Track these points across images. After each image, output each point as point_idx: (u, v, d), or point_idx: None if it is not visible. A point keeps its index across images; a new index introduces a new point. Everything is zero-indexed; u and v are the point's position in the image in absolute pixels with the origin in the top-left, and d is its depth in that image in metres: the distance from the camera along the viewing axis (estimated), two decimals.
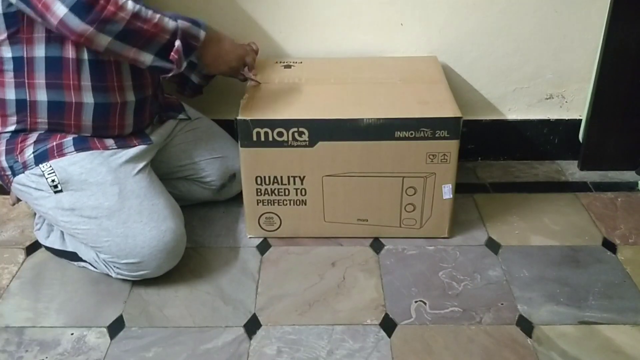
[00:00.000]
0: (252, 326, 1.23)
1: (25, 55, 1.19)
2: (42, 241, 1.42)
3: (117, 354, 1.17)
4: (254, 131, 1.32)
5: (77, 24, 1.07)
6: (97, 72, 1.22)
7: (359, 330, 1.21)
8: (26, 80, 1.21)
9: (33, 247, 1.45)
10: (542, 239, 1.46)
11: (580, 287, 1.31)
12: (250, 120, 1.31)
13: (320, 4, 1.58)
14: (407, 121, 1.31)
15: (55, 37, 1.17)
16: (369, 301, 1.28)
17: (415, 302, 1.28)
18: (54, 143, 1.25)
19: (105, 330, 1.22)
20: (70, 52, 1.19)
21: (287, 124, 1.31)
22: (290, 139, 1.32)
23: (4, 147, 1.26)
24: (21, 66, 1.20)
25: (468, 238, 1.47)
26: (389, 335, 1.20)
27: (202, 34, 1.22)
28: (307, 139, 1.33)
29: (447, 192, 1.39)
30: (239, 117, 1.31)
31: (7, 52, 1.19)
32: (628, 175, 1.71)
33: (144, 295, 1.30)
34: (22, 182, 1.27)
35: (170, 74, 1.22)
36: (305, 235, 1.46)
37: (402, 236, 1.45)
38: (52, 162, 1.24)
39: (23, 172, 1.26)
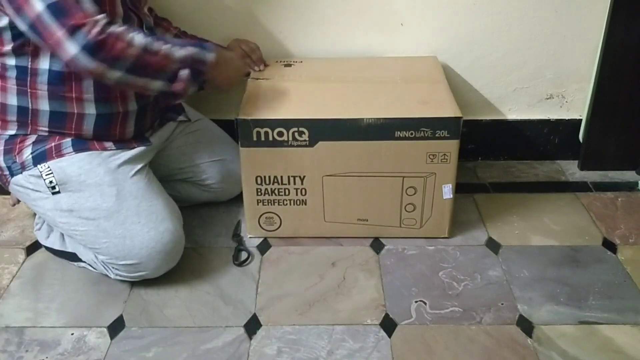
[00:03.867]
0: (252, 326, 1.23)
1: (29, 66, 1.19)
2: (42, 241, 1.42)
3: (117, 354, 1.17)
4: (254, 131, 1.32)
5: (88, 63, 1.08)
6: (100, 85, 1.21)
7: (359, 330, 1.21)
8: (29, 90, 1.21)
9: (33, 247, 1.45)
10: (542, 239, 1.46)
11: (581, 287, 1.31)
12: (251, 120, 1.31)
13: (320, 3, 1.58)
14: (407, 121, 1.30)
15: None
16: (369, 301, 1.28)
17: (416, 302, 1.28)
18: (53, 144, 1.25)
19: (105, 330, 1.22)
20: None
21: (287, 123, 1.31)
22: (290, 138, 1.32)
23: (2, 147, 1.26)
24: (25, 75, 1.20)
25: (468, 238, 1.47)
26: (389, 335, 1.20)
27: (208, 56, 1.21)
28: (307, 139, 1.32)
29: (447, 192, 1.38)
30: (239, 117, 1.31)
31: (12, 61, 1.19)
32: (628, 175, 1.71)
33: (144, 296, 1.30)
34: (19, 183, 1.27)
35: (177, 100, 1.24)
36: (305, 235, 1.46)
37: (402, 236, 1.45)
38: (50, 162, 1.24)
39: (21, 173, 1.25)
